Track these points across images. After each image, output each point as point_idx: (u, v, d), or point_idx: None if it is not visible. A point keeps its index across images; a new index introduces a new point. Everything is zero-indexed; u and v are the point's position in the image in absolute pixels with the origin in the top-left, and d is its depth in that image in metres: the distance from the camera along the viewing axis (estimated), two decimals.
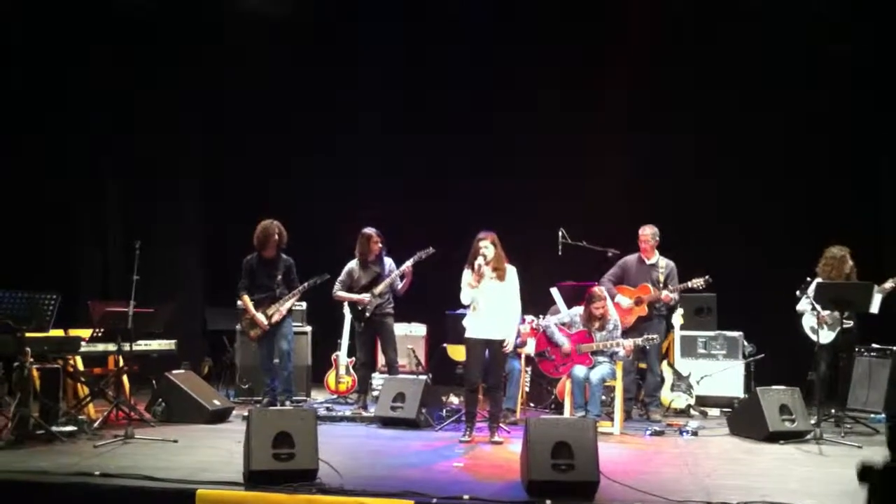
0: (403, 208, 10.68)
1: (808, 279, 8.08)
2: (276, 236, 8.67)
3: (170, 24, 10.88)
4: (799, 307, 8.38)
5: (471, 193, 10.96)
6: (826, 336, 8.18)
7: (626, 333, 8.37)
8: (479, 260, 7.28)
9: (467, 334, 7.44)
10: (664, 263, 8.86)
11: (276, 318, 8.66)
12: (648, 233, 8.86)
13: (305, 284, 8.71)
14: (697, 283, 8.69)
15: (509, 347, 7.38)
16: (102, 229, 11.32)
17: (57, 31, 10.51)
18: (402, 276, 8.81)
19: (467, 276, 7.36)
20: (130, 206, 11.38)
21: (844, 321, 8.15)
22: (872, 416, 8.63)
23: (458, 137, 11.23)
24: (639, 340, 8.15)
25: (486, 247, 7.34)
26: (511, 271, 7.41)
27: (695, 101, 10.61)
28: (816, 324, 8.05)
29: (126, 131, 11.17)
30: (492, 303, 7.34)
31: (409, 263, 8.74)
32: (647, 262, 8.88)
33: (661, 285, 8.75)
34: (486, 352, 7.42)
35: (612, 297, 8.72)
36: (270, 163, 11.54)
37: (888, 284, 8.29)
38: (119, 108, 11.11)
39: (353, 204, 10.11)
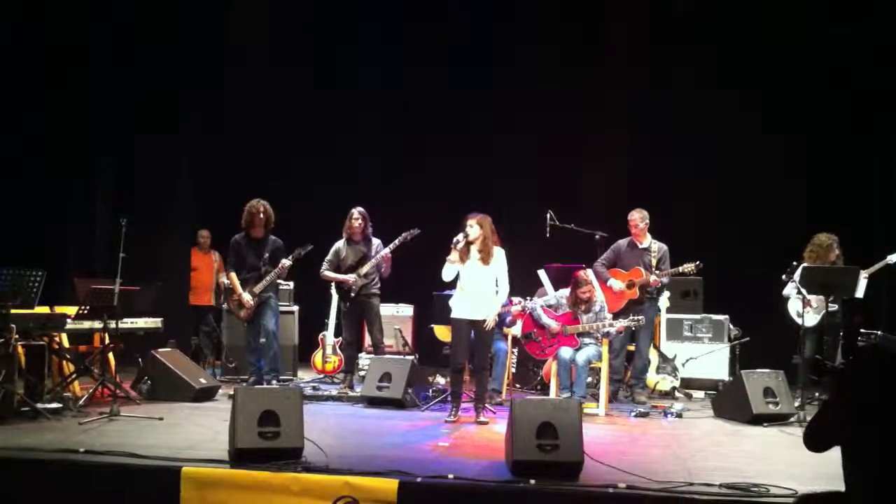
0: (402, 206, 10.68)
1: (794, 263, 8.12)
2: (261, 215, 8.68)
3: (170, 24, 10.80)
4: (785, 291, 8.43)
5: (467, 182, 11.01)
6: (811, 319, 8.23)
7: (618, 316, 8.40)
8: (459, 236, 7.31)
9: (453, 315, 7.46)
10: (657, 247, 8.86)
11: (258, 288, 8.65)
12: (637, 216, 8.86)
13: (290, 258, 8.67)
14: (688, 268, 8.70)
15: (488, 325, 7.39)
16: (90, 205, 11.24)
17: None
18: (384, 262, 8.83)
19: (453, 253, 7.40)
20: (118, 181, 11.30)
21: (829, 304, 8.20)
22: None
23: (455, 133, 11.32)
24: (624, 321, 8.19)
25: (471, 226, 7.36)
26: (498, 254, 7.41)
27: (695, 102, 10.66)
28: (802, 307, 8.09)
29: (120, 115, 11.10)
30: (477, 284, 7.36)
31: (394, 244, 8.77)
32: (640, 246, 8.88)
33: (654, 269, 8.77)
34: (472, 332, 7.44)
35: (606, 281, 8.75)
36: (269, 162, 11.58)
37: (873, 269, 8.34)
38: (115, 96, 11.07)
39: (352, 204, 10.02)
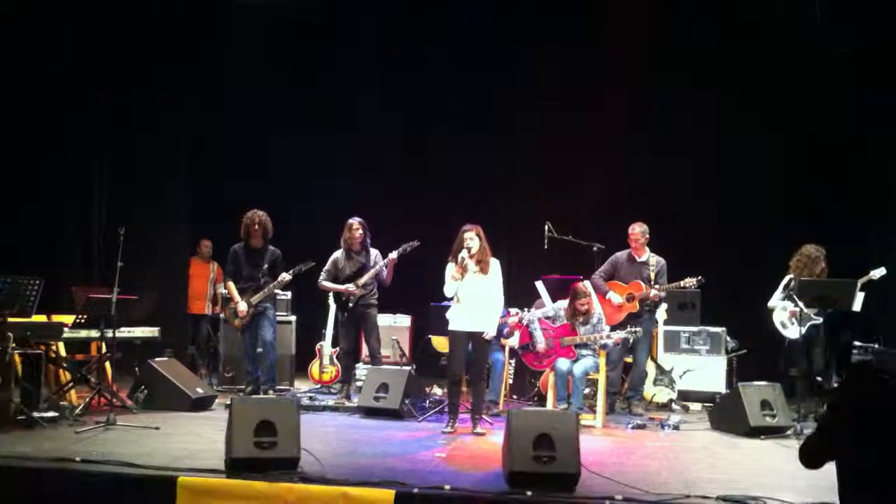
0: (403, 205, 10.74)
1: (791, 276, 8.12)
2: (257, 226, 8.68)
3: (170, 24, 10.80)
4: (770, 303, 8.43)
5: (461, 188, 11.02)
6: (794, 331, 8.20)
7: (616, 329, 8.39)
8: (463, 253, 7.29)
9: (450, 326, 7.45)
10: (655, 261, 8.86)
11: (255, 299, 8.66)
12: (638, 231, 8.85)
13: (290, 273, 8.69)
14: (690, 283, 8.69)
15: (488, 335, 7.39)
16: (87, 214, 11.23)
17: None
18: (386, 267, 8.84)
19: (451, 268, 7.37)
20: (116, 190, 11.30)
21: (813, 316, 8.19)
22: None
23: (454, 136, 11.31)
24: (622, 333, 8.18)
25: (472, 238, 7.34)
26: (494, 264, 7.42)
27: (695, 102, 10.66)
28: (787, 319, 8.11)
29: (119, 123, 11.10)
30: (475, 295, 7.34)
31: (393, 255, 8.77)
32: (638, 260, 8.87)
33: (653, 282, 8.77)
34: (469, 344, 7.44)
35: (605, 294, 8.76)
36: (268, 162, 11.58)
37: (865, 278, 8.34)
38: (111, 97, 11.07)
39: (351, 204, 10.00)
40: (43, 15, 10.33)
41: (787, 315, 8.24)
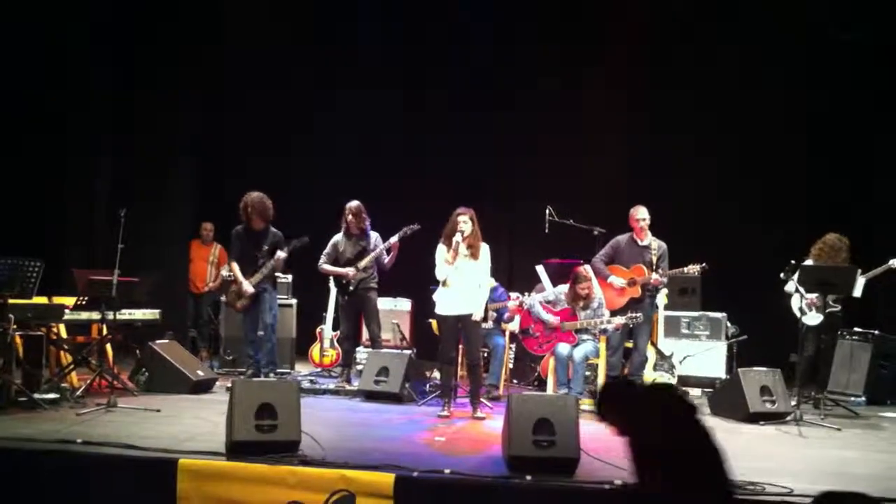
0: (401, 204, 10.70)
1: (793, 262, 8.10)
2: (250, 208, 8.63)
3: (170, 24, 10.73)
4: (787, 288, 8.42)
5: (462, 173, 11.04)
6: (814, 318, 8.21)
7: (617, 314, 8.39)
8: (457, 237, 7.28)
9: (438, 310, 7.46)
10: (657, 245, 8.80)
11: (254, 280, 8.66)
12: (641, 213, 8.81)
13: (285, 250, 8.67)
14: (693, 269, 8.66)
15: (477, 316, 7.38)
16: (88, 196, 11.21)
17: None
18: (388, 250, 8.82)
19: (442, 251, 7.37)
20: (118, 172, 11.26)
21: (832, 304, 8.19)
22: (852, 398, 8.73)
23: (455, 133, 11.34)
24: (623, 318, 8.18)
25: (465, 222, 7.34)
26: (485, 249, 7.42)
27: (695, 101, 10.65)
28: (805, 306, 8.10)
29: (121, 118, 11.07)
30: (465, 280, 7.35)
31: (394, 239, 8.76)
32: (640, 244, 8.82)
33: (654, 267, 8.74)
34: (460, 328, 7.44)
35: (606, 278, 8.72)
36: (268, 160, 11.56)
37: (874, 273, 8.32)
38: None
39: (350, 187, 9.99)
40: (43, 15, 10.29)
41: (806, 302, 8.23)
